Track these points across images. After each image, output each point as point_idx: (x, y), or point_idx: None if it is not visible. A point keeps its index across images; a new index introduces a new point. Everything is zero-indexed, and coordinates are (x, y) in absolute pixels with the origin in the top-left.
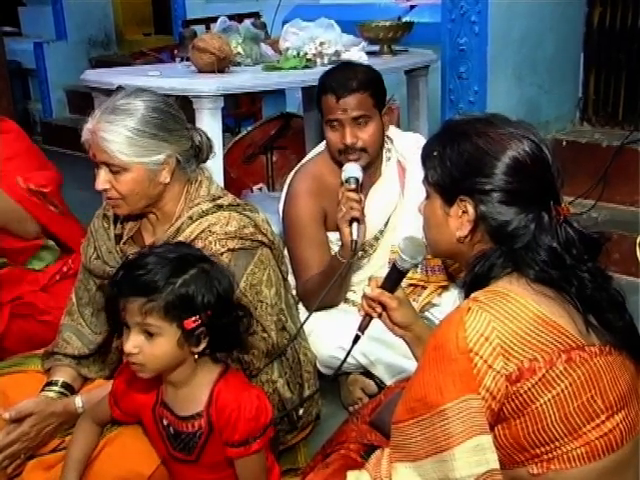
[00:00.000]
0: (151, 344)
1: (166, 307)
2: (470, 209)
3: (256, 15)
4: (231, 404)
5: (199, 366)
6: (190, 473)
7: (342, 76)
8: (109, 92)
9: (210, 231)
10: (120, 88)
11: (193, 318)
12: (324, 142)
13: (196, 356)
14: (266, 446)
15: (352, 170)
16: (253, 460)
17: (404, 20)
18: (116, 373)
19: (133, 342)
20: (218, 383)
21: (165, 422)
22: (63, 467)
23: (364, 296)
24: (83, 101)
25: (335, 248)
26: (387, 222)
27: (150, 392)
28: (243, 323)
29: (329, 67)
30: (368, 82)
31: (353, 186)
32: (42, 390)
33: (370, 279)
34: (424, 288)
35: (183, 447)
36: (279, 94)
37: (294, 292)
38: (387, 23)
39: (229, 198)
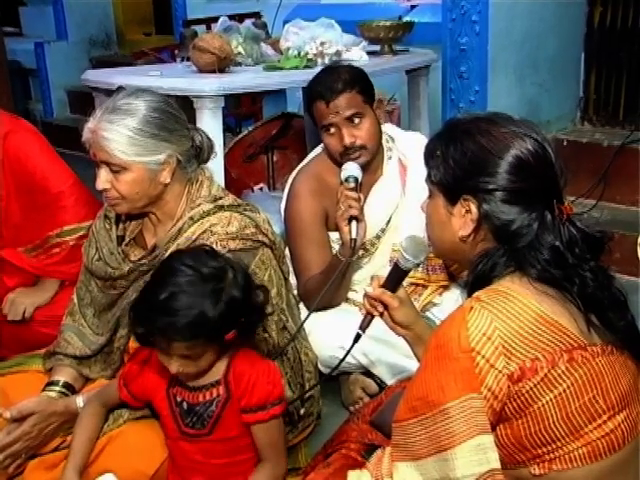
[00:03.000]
0: (196, 363)
1: (190, 337)
2: (473, 208)
3: (257, 15)
4: (249, 370)
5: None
6: (199, 456)
7: (327, 80)
8: (110, 92)
9: (212, 232)
10: (121, 88)
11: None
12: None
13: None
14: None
15: (351, 169)
16: (271, 426)
17: (405, 20)
18: (129, 356)
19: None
20: (236, 355)
21: (179, 398)
22: (69, 452)
23: (365, 295)
24: (84, 101)
25: (336, 248)
26: (388, 221)
27: (164, 375)
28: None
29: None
30: (353, 80)
31: (352, 185)
32: (43, 390)
33: (372, 278)
34: (425, 287)
35: (196, 421)
36: (280, 94)
37: (295, 292)
38: (388, 23)
39: (230, 198)
